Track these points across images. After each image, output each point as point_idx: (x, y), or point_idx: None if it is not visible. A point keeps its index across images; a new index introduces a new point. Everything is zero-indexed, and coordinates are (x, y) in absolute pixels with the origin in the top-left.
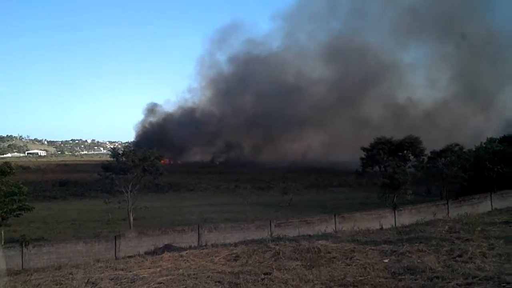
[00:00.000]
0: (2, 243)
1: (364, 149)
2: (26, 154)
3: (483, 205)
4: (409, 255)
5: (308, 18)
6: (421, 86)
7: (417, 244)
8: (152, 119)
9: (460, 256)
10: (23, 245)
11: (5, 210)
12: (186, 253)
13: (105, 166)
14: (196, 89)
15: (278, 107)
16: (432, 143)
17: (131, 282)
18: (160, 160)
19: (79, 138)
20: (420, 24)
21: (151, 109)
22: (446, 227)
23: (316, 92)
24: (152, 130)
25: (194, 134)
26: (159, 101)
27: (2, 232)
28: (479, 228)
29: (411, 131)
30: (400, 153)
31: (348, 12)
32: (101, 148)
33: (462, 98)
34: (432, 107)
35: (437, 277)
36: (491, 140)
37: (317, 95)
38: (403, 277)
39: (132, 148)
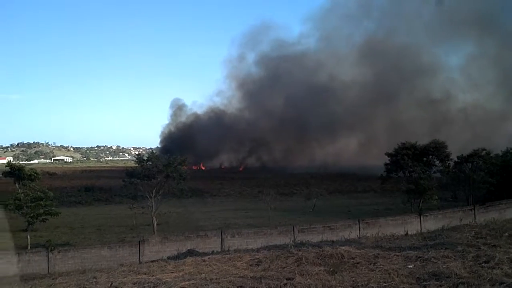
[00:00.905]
0: (29, 247)
1: (388, 154)
2: (52, 161)
3: (511, 211)
4: (435, 261)
5: (341, 18)
6: (460, 87)
7: (442, 250)
8: (180, 119)
9: (486, 262)
10: (49, 250)
11: (31, 215)
12: (209, 258)
13: (129, 172)
14: (224, 92)
15: (310, 109)
16: (469, 145)
17: (154, 286)
18: (184, 165)
19: (104, 145)
20: (458, 23)
21: (179, 107)
22: (473, 232)
23: (349, 94)
24: (178, 134)
25: (222, 138)
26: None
27: (29, 237)
28: (506, 234)
29: (447, 134)
30: (425, 158)
31: (382, 12)
32: (126, 154)
33: (501, 100)
34: (471, 108)
35: (463, 283)
36: None
37: (350, 98)
38: (428, 283)
39: (156, 154)
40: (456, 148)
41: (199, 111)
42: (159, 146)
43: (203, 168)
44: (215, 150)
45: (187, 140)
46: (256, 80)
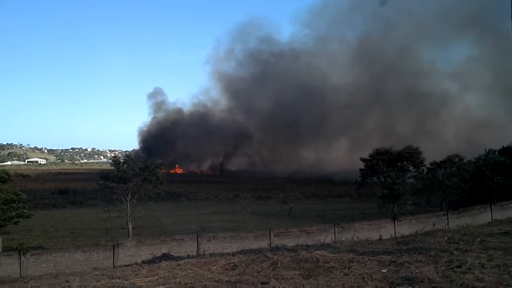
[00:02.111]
0: (0, 250)
1: (363, 159)
2: (26, 162)
3: (483, 216)
4: (408, 265)
5: (333, 18)
6: (454, 89)
7: (416, 255)
8: (160, 115)
9: (459, 266)
10: (21, 253)
11: (3, 217)
12: (184, 262)
13: (104, 175)
14: (208, 90)
15: (299, 110)
16: (463, 148)
17: None
18: (161, 169)
19: (79, 147)
20: (454, 24)
21: (159, 104)
22: (446, 237)
23: (341, 95)
24: (157, 132)
25: (203, 138)
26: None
27: (1, 240)
28: (478, 239)
29: (440, 136)
30: (400, 164)
31: (375, 13)
32: (101, 157)
33: (500, 102)
34: (465, 111)
35: None
36: (490, 151)
37: (342, 99)
38: (401, 287)
39: (132, 157)
40: (449, 151)
41: (183, 108)
42: (138, 146)
43: (179, 171)
44: (196, 152)
45: (167, 140)
46: (242, 79)
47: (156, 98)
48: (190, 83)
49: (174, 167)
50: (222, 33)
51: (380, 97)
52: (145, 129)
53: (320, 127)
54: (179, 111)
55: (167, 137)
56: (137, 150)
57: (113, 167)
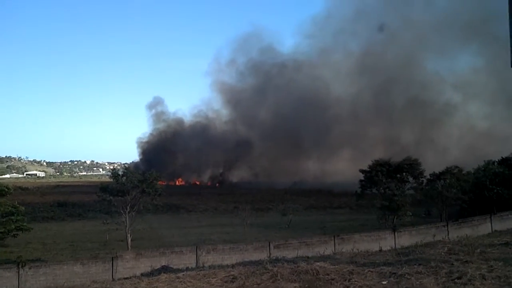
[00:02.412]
0: None
1: (362, 171)
2: (25, 175)
3: (483, 227)
4: (408, 277)
5: (337, 29)
6: (460, 100)
7: (416, 266)
8: (160, 126)
9: (459, 278)
10: (20, 266)
11: (2, 230)
12: (183, 274)
13: (103, 188)
14: (210, 100)
15: (301, 122)
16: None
17: None
18: (159, 181)
19: (78, 159)
20: (457, 33)
21: (158, 115)
22: (446, 248)
23: (344, 106)
24: (157, 143)
25: (203, 150)
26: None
27: None
28: (478, 250)
29: (444, 147)
30: (399, 175)
31: (378, 23)
32: (100, 169)
33: (504, 112)
34: (469, 121)
35: None
36: (489, 162)
37: (345, 110)
38: None
39: (131, 169)
40: (452, 161)
41: (183, 119)
42: (138, 158)
43: (179, 184)
44: (197, 163)
45: (167, 151)
46: (244, 90)
47: (156, 108)
48: (191, 93)
49: (174, 179)
50: (224, 43)
51: (383, 108)
52: (144, 140)
53: (323, 138)
54: (179, 122)
55: (168, 148)
56: (137, 162)
57: (112, 179)
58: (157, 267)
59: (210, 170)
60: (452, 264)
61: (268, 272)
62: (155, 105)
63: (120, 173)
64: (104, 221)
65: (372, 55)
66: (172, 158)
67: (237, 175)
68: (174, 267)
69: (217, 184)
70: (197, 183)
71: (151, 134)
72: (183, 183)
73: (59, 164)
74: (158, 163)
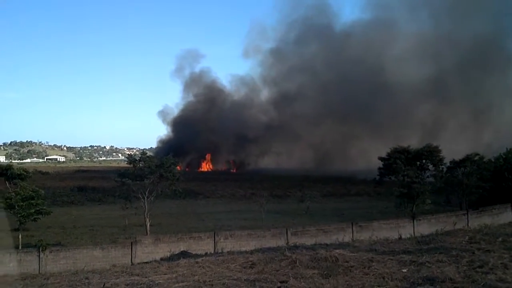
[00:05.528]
0: (20, 247)
1: (381, 158)
2: (45, 160)
3: (504, 216)
4: (429, 265)
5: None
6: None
7: (436, 255)
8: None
9: (480, 267)
10: (40, 250)
11: (23, 214)
12: (202, 259)
13: (121, 173)
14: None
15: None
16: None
17: None
18: (177, 166)
19: (97, 145)
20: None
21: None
22: (466, 237)
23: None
24: (188, 116)
25: (225, 132)
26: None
27: (20, 237)
28: (500, 239)
29: None
30: (419, 162)
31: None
32: (119, 155)
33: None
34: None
35: None
36: (510, 151)
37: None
38: (422, 287)
39: (149, 154)
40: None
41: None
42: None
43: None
44: (217, 147)
45: (195, 131)
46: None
47: (189, 60)
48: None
49: (199, 165)
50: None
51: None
52: (170, 114)
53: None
54: (216, 90)
55: (196, 127)
56: (158, 146)
57: (129, 165)
58: (175, 252)
59: (238, 156)
60: (474, 253)
61: (287, 259)
62: (187, 57)
63: (137, 158)
64: (123, 206)
65: (435, 40)
66: (199, 140)
67: (265, 161)
68: (193, 252)
69: (233, 170)
70: (224, 169)
71: (183, 105)
72: (210, 168)
73: (79, 149)
74: (182, 148)
